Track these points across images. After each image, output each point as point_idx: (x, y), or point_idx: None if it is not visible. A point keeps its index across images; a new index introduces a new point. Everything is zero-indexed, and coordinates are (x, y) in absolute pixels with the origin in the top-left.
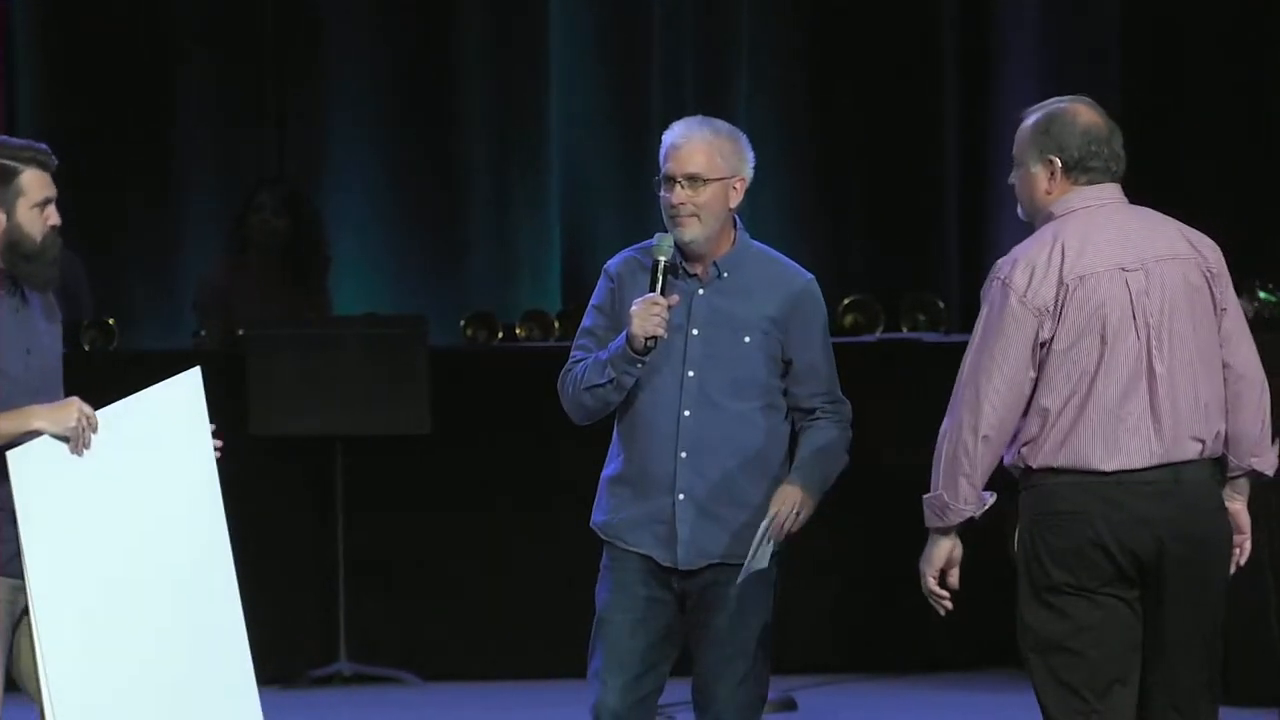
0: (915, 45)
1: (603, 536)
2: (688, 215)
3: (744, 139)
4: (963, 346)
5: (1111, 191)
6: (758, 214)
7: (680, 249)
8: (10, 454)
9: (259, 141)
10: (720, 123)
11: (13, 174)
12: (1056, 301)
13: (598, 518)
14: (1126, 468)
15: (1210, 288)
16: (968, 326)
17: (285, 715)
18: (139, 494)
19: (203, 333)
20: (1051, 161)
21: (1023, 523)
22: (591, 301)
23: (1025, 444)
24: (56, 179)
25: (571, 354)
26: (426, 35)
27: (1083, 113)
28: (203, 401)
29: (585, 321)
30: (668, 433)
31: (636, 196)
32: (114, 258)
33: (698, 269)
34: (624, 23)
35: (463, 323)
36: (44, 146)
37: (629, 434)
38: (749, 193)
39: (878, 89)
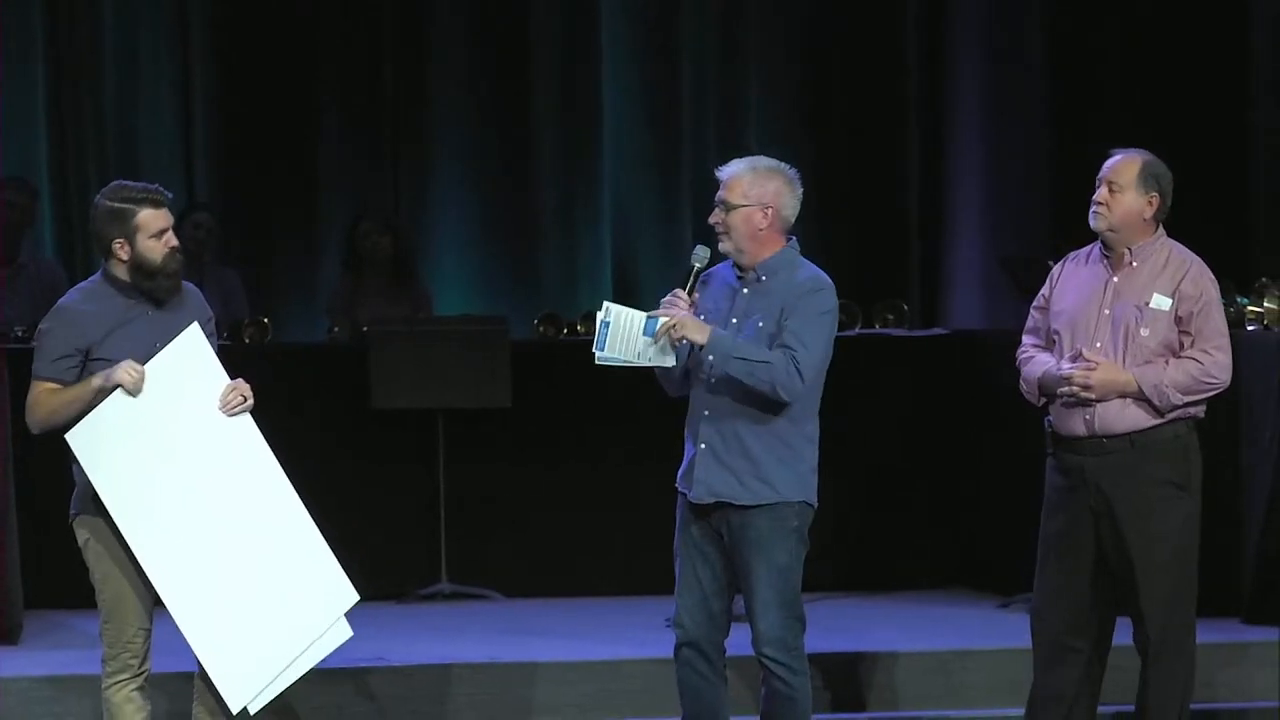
0: (888, 116)
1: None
2: (720, 232)
3: (787, 176)
4: (921, 341)
5: None
6: None
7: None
8: (68, 436)
9: (379, 181)
10: (763, 160)
11: (130, 215)
12: None
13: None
14: None
15: None
16: (928, 325)
17: (398, 624)
18: (180, 427)
19: (335, 330)
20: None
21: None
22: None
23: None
24: (172, 209)
25: None
26: (508, 100)
27: None
28: (209, 349)
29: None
30: (700, 398)
31: (670, 223)
32: (269, 270)
33: (742, 272)
34: (660, 90)
35: (536, 321)
36: (157, 187)
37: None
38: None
39: (859, 142)
